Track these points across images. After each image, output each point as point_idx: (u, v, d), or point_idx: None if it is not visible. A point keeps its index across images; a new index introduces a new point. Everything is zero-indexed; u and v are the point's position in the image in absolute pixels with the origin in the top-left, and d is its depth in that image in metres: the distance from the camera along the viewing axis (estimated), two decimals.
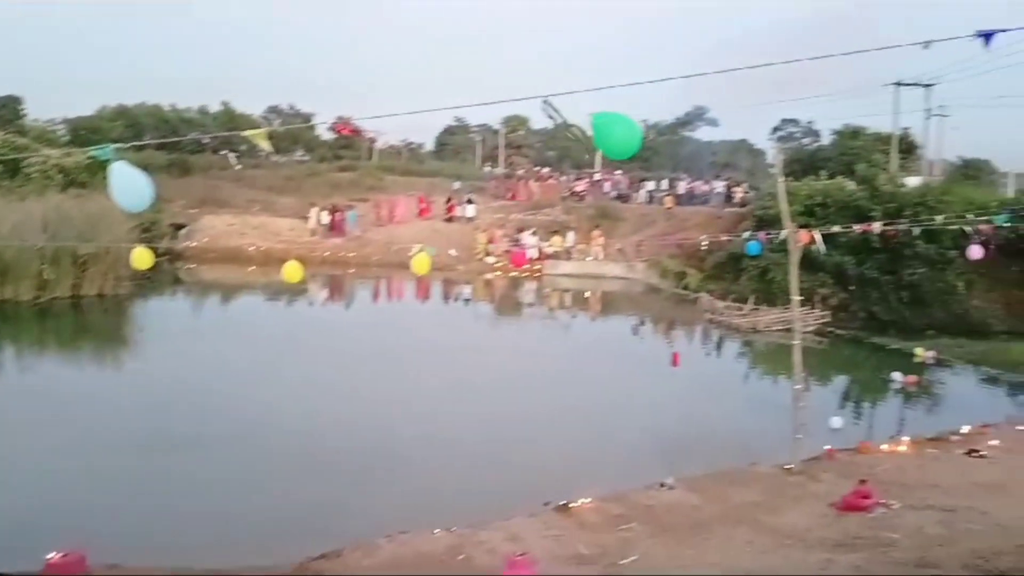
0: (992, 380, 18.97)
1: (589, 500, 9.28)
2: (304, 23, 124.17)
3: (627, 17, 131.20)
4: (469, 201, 40.33)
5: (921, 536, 8.14)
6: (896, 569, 7.05)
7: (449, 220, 39.29)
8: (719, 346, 23.43)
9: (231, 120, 64.83)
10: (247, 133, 5.84)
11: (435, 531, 8.35)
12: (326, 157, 63.25)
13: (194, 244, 35.08)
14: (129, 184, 5.88)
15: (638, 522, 8.77)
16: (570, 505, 9.16)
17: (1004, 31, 4.69)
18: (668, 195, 40.17)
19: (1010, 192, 35.37)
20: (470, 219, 38.84)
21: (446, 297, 31.20)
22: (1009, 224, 19.28)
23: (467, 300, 31.28)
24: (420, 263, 11.00)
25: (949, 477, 10.71)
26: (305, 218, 38.10)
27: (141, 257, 11.99)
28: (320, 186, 45.11)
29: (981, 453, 11.85)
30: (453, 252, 31.34)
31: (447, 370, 18.09)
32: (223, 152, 47.97)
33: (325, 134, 67.82)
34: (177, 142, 48.31)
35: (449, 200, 40.64)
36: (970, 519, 8.58)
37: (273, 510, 9.63)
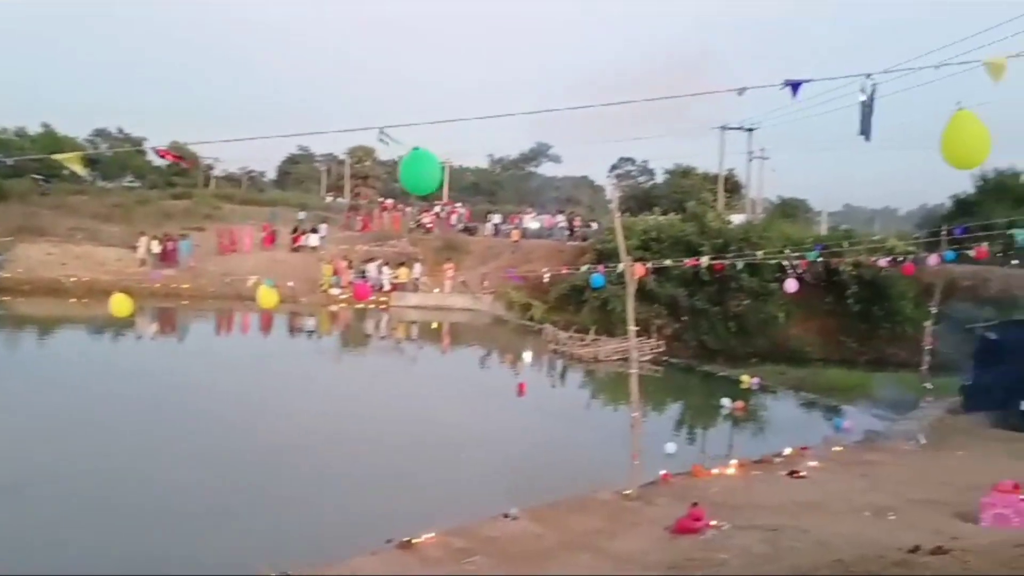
0: (810, 404, 20.37)
1: (432, 534, 9.14)
2: (137, 46, 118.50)
3: (479, 52, 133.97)
4: (314, 230, 39.56)
5: (749, 555, 8.54)
6: None
7: (295, 250, 38.33)
8: (563, 376, 23.94)
9: (54, 143, 60.49)
10: (59, 157, 5.35)
11: (271, 575, 7.94)
12: (158, 184, 60.23)
13: (7, 275, 32.30)
14: None
15: (482, 555, 8.71)
16: (413, 541, 8.98)
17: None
18: (515, 228, 40.96)
19: (823, 229, 38.50)
20: (314, 248, 38.03)
21: (289, 330, 30.20)
22: (820, 259, 20.96)
23: (311, 333, 30.42)
24: (266, 296, 10.52)
25: (773, 497, 11.35)
26: (134, 248, 35.93)
27: None
28: (151, 214, 42.81)
29: (801, 474, 12.64)
30: (291, 284, 30.52)
31: (289, 405, 17.44)
32: (31, 176, 44.44)
33: (158, 160, 64.63)
34: None
35: (295, 229, 39.71)
36: (792, 537, 9.09)
37: (96, 560, 8.86)
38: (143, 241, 35.88)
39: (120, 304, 10.06)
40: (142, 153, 44.98)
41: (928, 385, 15.61)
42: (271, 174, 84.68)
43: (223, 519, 10.39)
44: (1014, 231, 14.62)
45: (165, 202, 47.16)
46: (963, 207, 34.44)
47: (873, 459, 14.02)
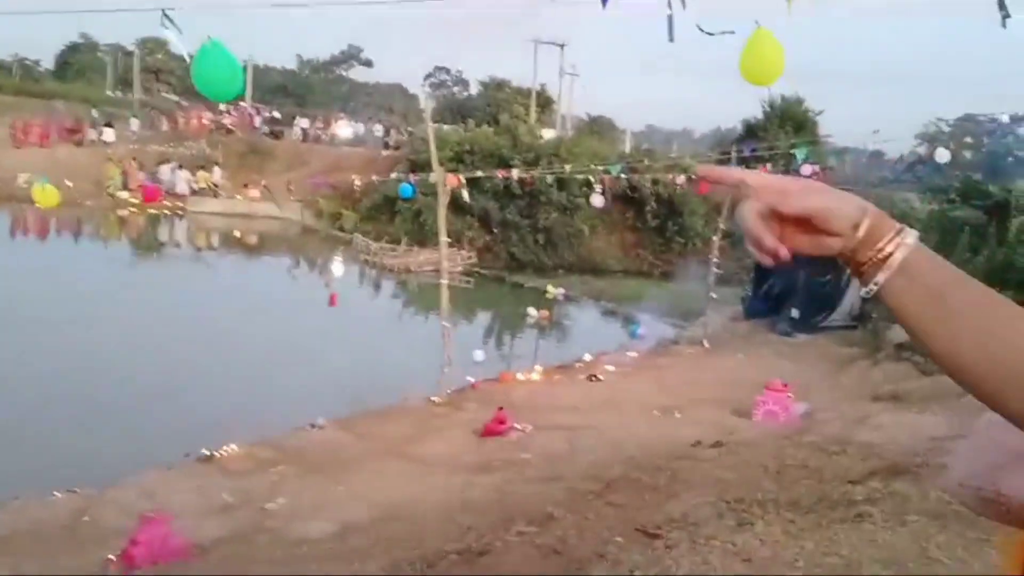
0: (610, 313, 21.52)
1: (235, 447, 8.90)
2: None
3: None
4: (108, 124, 36.06)
5: (549, 454, 9.02)
6: (528, 485, 7.73)
7: (79, 144, 34.75)
8: (374, 286, 23.74)
9: None
10: None
11: (55, 494, 7.45)
12: None
13: None
14: None
15: (287, 464, 8.62)
16: (214, 454, 8.71)
17: None
18: (324, 132, 39.55)
19: (627, 147, 40.05)
20: (107, 144, 34.69)
21: (73, 234, 27.71)
22: (623, 175, 21.85)
23: (101, 239, 28.11)
24: (45, 195, 9.46)
25: (573, 400, 11.99)
26: None
27: None
28: None
29: (599, 378, 13.42)
30: (70, 184, 27.81)
31: (76, 317, 16.10)
32: None
33: None
34: None
35: (77, 121, 36.07)
36: (589, 436, 9.68)
37: None
38: None
39: None
40: None
41: (713, 295, 16.94)
42: (48, 63, 75.84)
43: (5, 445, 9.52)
44: (795, 151, 15.95)
45: None
46: (752, 131, 36.83)
47: (663, 363, 15.11)
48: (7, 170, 27.35)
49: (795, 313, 17.26)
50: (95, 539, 6.61)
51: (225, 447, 8.82)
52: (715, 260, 16.86)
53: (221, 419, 10.60)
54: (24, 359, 12.94)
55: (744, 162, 19.32)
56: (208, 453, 8.70)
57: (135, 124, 37.68)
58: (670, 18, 4.78)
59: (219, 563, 5.96)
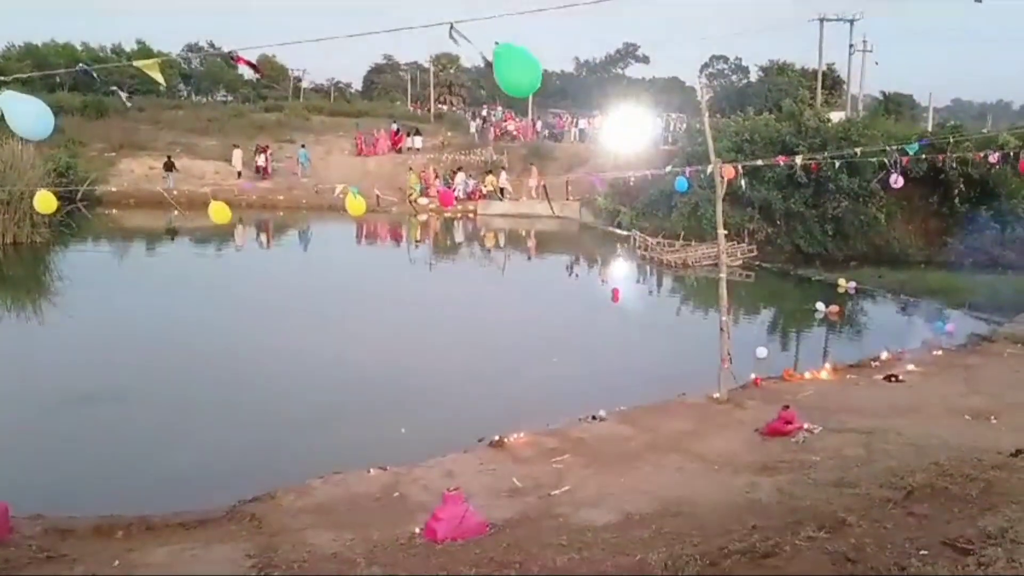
0: (912, 308, 19.67)
1: (523, 435, 9.39)
2: None
3: None
4: (417, 132, 40.44)
5: (840, 457, 8.48)
6: (817, 489, 7.33)
7: (398, 151, 40.13)
8: (654, 282, 23.76)
9: (147, 59, 62.21)
10: (139, 63, 5.39)
11: (370, 470, 8.35)
12: (250, 97, 61.47)
13: (114, 189, 33.91)
14: (24, 110, 5.49)
15: (571, 454, 8.92)
16: (504, 440, 9.26)
17: None
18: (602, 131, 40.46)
19: (930, 126, 36.35)
20: (418, 150, 39.39)
21: (380, 238, 30.90)
22: (923, 155, 19.82)
23: (403, 241, 31.10)
24: (354, 205, 10.67)
25: (868, 401, 11.15)
26: (229, 160, 37.07)
27: (45, 201, 11.37)
28: (244, 127, 43.79)
29: (899, 378, 12.35)
30: (377, 192, 31.45)
31: (385, 311, 17.94)
32: (112, 89, 45.07)
33: (248, 74, 65.79)
34: (91, 82, 46.18)
35: (397, 131, 41.58)
36: (887, 440, 8.96)
37: (206, 457, 9.48)
38: (237, 153, 36.98)
39: (219, 212, 10.43)
40: (230, 65, 45.15)
41: None
42: (357, 85, 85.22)
43: (330, 425, 10.79)
44: None
45: (257, 115, 48.09)
46: None
47: (976, 363, 13.54)
48: (327, 182, 31.05)
49: None
50: (403, 513, 7.32)
51: (514, 434, 9.35)
52: None
53: (510, 407, 11.24)
54: (334, 346, 14.59)
55: None
56: (499, 439, 9.27)
57: (420, 137, 41.69)
58: None
59: (510, 543, 6.33)
